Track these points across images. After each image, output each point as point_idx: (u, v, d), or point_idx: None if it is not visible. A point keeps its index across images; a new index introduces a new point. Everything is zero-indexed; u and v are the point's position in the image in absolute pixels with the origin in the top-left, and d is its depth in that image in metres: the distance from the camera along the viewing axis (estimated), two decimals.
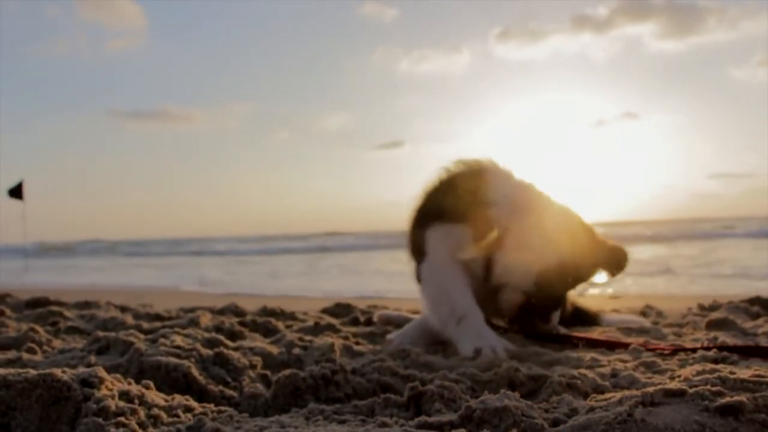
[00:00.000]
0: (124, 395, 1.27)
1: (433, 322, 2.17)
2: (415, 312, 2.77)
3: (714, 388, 1.12)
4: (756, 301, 2.98)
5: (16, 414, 1.18)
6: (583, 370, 1.58)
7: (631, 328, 2.52)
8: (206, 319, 2.66)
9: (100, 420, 1.15)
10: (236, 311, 3.08)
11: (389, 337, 2.32)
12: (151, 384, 1.41)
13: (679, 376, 1.41)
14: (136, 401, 1.26)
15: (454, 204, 2.11)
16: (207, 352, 1.74)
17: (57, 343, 2.23)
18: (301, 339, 2.16)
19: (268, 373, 1.72)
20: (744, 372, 1.28)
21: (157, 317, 3.02)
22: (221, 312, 3.07)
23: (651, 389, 1.13)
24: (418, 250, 2.19)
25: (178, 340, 1.92)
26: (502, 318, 2.25)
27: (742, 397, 1.06)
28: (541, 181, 2.21)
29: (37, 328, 2.36)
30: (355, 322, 2.86)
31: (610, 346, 2.05)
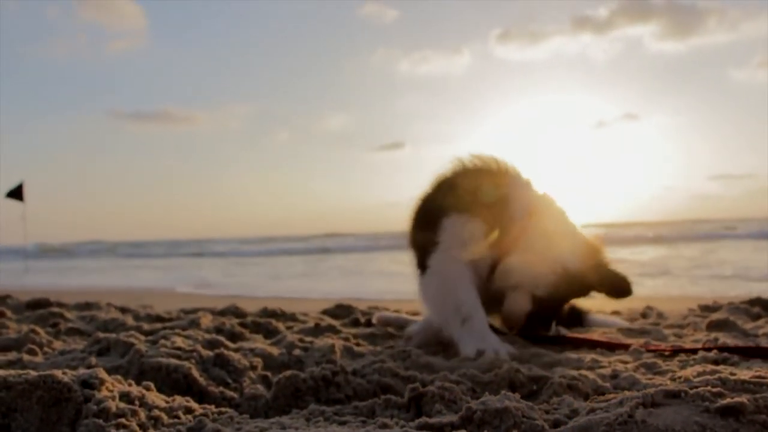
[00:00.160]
0: (125, 396, 1.27)
1: (435, 318, 2.16)
2: (415, 313, 2.76)
3: (714, 389, 1.12)
4: (756, 302, 2.98)
5: (17, 415, 1.18)
6: (583, 372, 1.58)
7: (633, 329, 2.52)
8: (207, 321, 2.66)
9: (101, 421, 1.15)
10: (237, 312, 3.08)
11: (409, 330, 2.31)
12: (152, 385, 1.41)
13: (680, 378, 1.42)
14: (137, 402, 1.26)
15: (474, 197, 2.08)
16: (207, 353, 1.74)
17: (57, 345, 2.23)
18: (301, 340, 2.16)
19: (269, 374, 1.72)
20: (744, 373, 1.28)
21: (158, 318, 3.02)
22: (222, 313, 3.07)
23: (652, 390, 1.13)
24: (427, 240, 2.12)
25: (179, 341, 1.92)
26: (504, 320, 2.24)
27: (743, 398, 1.06)
28: (540, 180, 2.21)
29: (38, 329, 2.36)
30: (355, 323, 2.86)
31: (611, 347, 2.05)
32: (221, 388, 1.56)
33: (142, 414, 1.22)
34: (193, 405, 1.34)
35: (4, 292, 4.14)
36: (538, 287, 2.09)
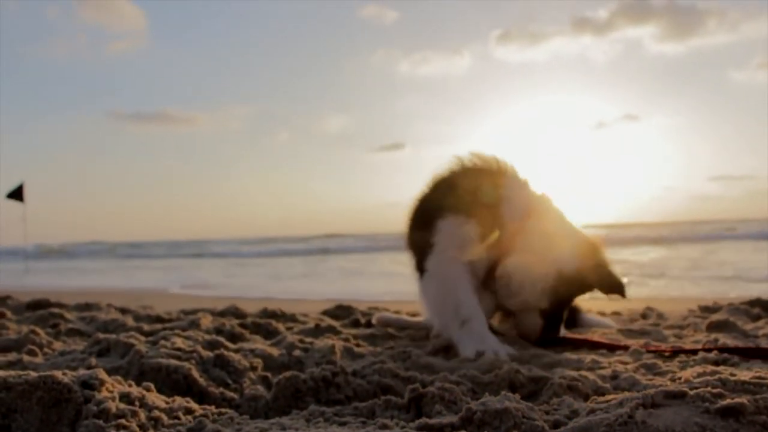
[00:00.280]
0: (125, 397, 1.27)
1: (434, 320, 2.16)
2: (415, 314, 2.77)
3: (715, 390, 1.12)
4: (756, 303, 2.98)
5: (17, 416, 1.18)
6: (583, 372, 1.58)
7: (633, 330, 2.52)
8: (207, 321, 2.66)
9: (101, 422, 1.15)
10: (237, 313, 3.07)
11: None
12: (152, 386, 1.41)
13: (680, 378, 1.41)
14: (137, 403, 1.26)
15: (469, 197, 2.08)
16: (207, 354, 1.74)
17: (57, 345, 2.23)
18: (301, 341, 2.16)
19: (269, 374, 1.72)
20: (745, 374, 1.28)
21: (158, 319, 3.02)
22: (222, 314, 3.07)
23: (652, 391, 1.13)
24: (424, 242, 2.12)
25: (179, 342, 1.92)
26: (521, 336, 2.24)
27: (743, 399, 1.06)
28: (540, 181, 2.21)
29: (38, 330, 2.36)
30: (355, 323, 2.86)
31: (612, 348, 2.05)
32: (221, 389, 1.56)
33: (142, 415, 1.22)
34: (193, 406, 1.34)
35: (5, 292, 4.14)
36: (543, 299, 2.09)
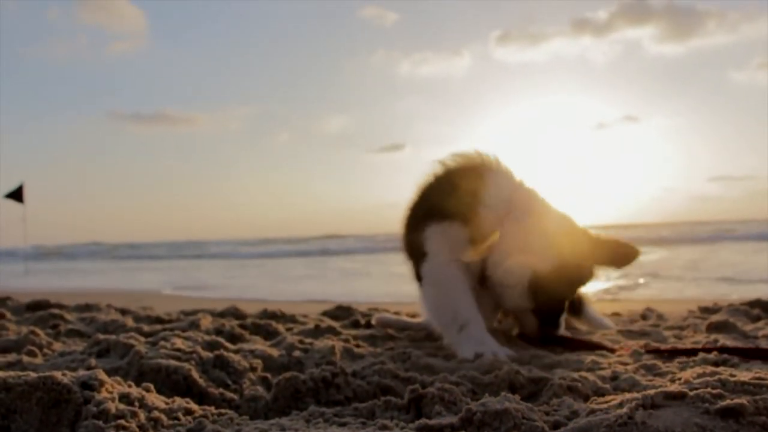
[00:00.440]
0: (125, 398, 1.27)
1: (434, 326, 2.17)
2: (414, 315, 2.77)
3: (714, 391, 1.12)
4: (756, 303, 2.98)
5: (16, 417, 1.18)
6: (583, 373, 1.58)
7: (633, 331, 2.52)
8: (206, 322, 2.66)
9: (100, 423, 1.14)
10: (236, 314, 3.07)
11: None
12: (152, 387, 1.41)
13: (680, 379, 1.41)
14: (137, 404, 1.26)
15: (452, 202, 2.08)
16: (207, 354, 1.74)
17: (57, 346, 2.23)
18: (301, 341, 2.16)
19: (269, 375, 1.72)
20: (744, 374, 1.28)
21: (158, 320, 3.02)
22: (221, 315, 3.07)
23: (651, 392, 1.13)
24: (417, 250, 2.15)
25: (179, 342, 1.92)
26: (505, 316, 2.23)
27: (743, 400, 1.06)
28: (540, 182, 2.20)
29: (38, 330, 2.36)
30: (355, 324, 2.86)
31: (612, 351, 2.05)
32: (221, 390, 1.56)
33: (142, 415, 1.22)
34: (193, 406, 1.34)
35: (4, 293, 4.14)
36: (526, 300, 2.08)
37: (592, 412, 1.15)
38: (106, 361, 1.76)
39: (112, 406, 1.19)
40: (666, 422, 1.03)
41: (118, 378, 1.38)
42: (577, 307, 2.64)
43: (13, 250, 20.76)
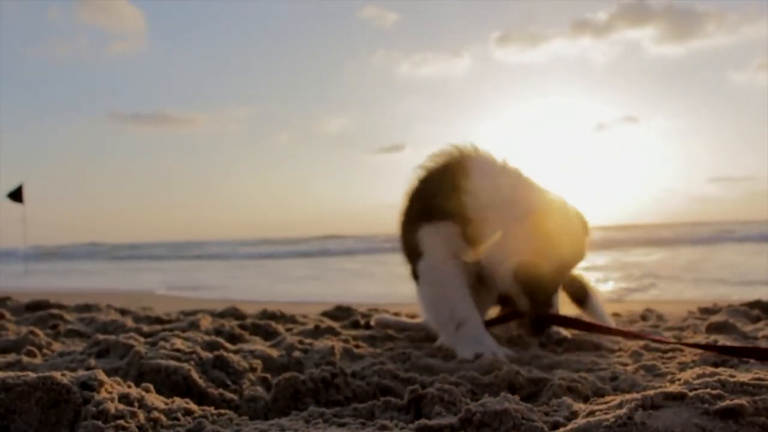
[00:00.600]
0: (124, 398, 1.27)
1: (431, 325, 2.17)
2: (414, 316, 2.77)
3: (714, 392, 1.12)
4: (756, 304, 2.98)
5: (16, 417, 1.18)
6: (583, 373, 1.58)
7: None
8: (206, 322, 2.66)
9: (100, 423, 1.14)
10: (236, 314, 3.07)
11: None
12: (151, 387, 1.40)
13: (680, 380, 1.41)
14: (136, 404, 1.26)
15: (439, 201, 2.10)
16: (207, 355, 1.74)
17: (57, 346, 2.23)
18: (301, 342, 2.16)
19: (268, 376, 1.72)
20: (744, 375, 1.28)
21: (157, 320, 3.02)
22: (221, 315, 3.07)
23: (651, 392, 1.13)
24: (413, 250, 2.17)
25: (178, 343, 1.92)
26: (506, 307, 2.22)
27: (742, 401, 1.06)
28: (525, 164, 2.18)
29: (37, 331, 2.35)
30: (355, 325, 2.85)
31: (620, 334, 2.04)
32: (220, 390, 1.56)
33: (142, 416, 1.22)
34: (193, 407, 1.34)
35: (4, 293, 4.14)
36: (512, 287, 2.04)
37: (592, 412, 1.15)
38: (106, 362, 1.76)
39: (112, 407, 1.19)
40: (665, 423, 1.03)
41: (118, 378, 1.38)
42: (582, 296, 2.61)
43: (13, 251, 20.75)
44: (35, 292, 6.19)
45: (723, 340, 2.11)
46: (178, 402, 1.35)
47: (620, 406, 1.11)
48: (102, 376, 1.29)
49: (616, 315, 3.29)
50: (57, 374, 1.24)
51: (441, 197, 2.10)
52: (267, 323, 2.61)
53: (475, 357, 1.86)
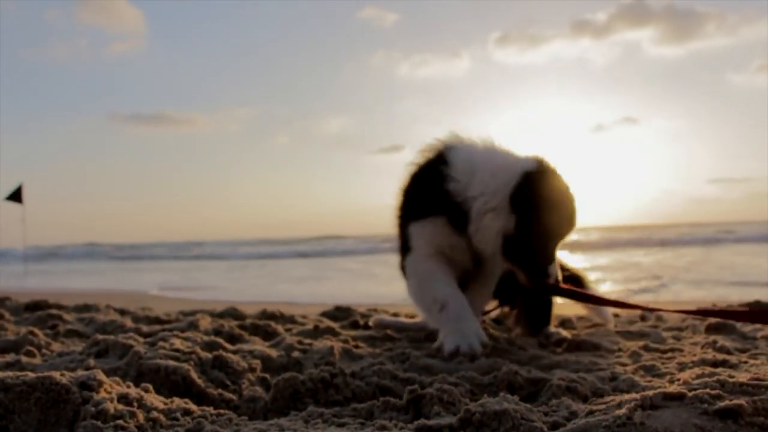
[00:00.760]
0: (123, 398, 1.27)
1: (421, 314, 2.23)
2: (412, 316, 2.77)
3: (713, 392, 1.12)
4: (755, 305, 2.98)
5: (15, 417, 1.18)
6: (582, 374, 1.58)
7: (632, 332, 2.52)
8: (205, 323, 2.66)
9: (99, 423, 1.14)
10: (236, 314, 3.07)
11: None
12: (150, 387, 1.40)
13: (679, 380, 1.42)
14: (135, 404, 1.26)
15: (425, 197, 2.13)
16: (206, 355, 1.74)
17: (56, 347, 2.23)
18: (300, 342, 2.16)
19: (268, 376, 1.72)
20: (743, 375, 1.28)
21: (157, 321, 3.01)
22: (220, 315, 3.07)
23: (650, 393, 1.13)
24: (403, 247, 2.23)
25: (178, 343, 1.92)
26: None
27: (741, 401, 1.06)
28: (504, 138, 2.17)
29: (36, 331, 2.35)
30: (354, 325, 2.85)
31: (621, 306, 2.03)
32: (220, 390, 1.56)
33: (141, 416, 1.22)
34: (192, 407, 1.34)
35: (3, 293, 4.14)
36: (513, 253, 2.02)
37: (591, 412, 1.15)
38: (105, 362, 1.76)
39: (111, 407, 1.19)
40: (665, 423, 1.03)
41: (117, 378, 1.38)
42: (579, 282, 2.61)
43: (12, 251, 20.74)
44: (34, 292, 6.19)
45: (722, 341, 2.11)
46: (178, 402, 1.35)
47: (619, 406, 1.12)
48: (101, 376, 1.29)
49: (615, 315, 3.29)
50: (56, 374, 1.24)
51: (426, 192, 2.14)
52: (266, 323, 2.60)
53: (453, 352, 1.90)
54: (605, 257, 11.35)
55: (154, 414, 1.25)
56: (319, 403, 1.45)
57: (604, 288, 5.93)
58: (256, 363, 1.78)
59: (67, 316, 2.96)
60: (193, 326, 2.55)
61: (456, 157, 2.10)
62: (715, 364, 1.70)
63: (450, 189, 2.05)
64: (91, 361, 1.73)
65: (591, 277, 2.82)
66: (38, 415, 1.19)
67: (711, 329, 2.43)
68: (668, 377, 1.58)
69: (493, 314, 2.72)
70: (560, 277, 2.19)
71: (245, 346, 2.05)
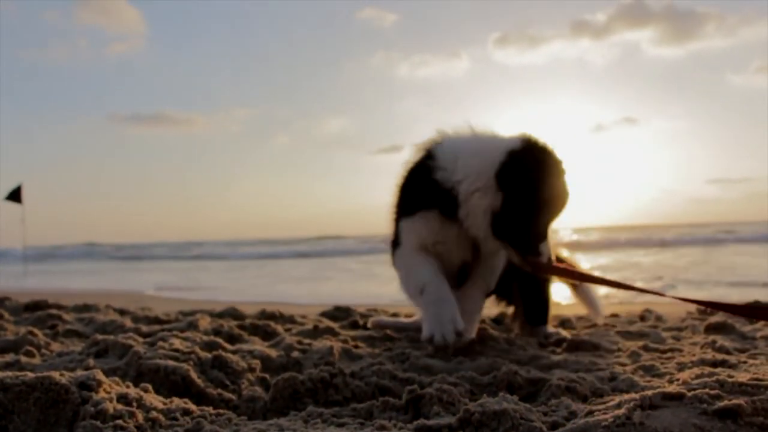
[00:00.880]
0: (123, 398, 1.27)
1: (410, 302, 2.26)
2: (410, 316, 2.76)
3: (712, 392, 1.12)
4: (755, 305, 2.98)
5: (14, 417, 1.18)
6: (581, 374, 1.58)
7: (631, 332, 2.52)
8: (205, 323, 2.66)
9: (98, 423, 1.14)
10: (235, 315, 3.07)
11: None
12: (150, 387, 1.40)
13: (678, 380, 1.42)
14: (135, 404, 1.26)
15: (414, 192, 2.15)
16: (206, 355, 1.74)
17: (55, 347, 2.22)
18: (300, 342, 2.16)
19: (267, 376, 1.72)
20: (742, 375, 1.28)
21: (156, 321, 3.01)
22: (220, 315, 3.07)
23: (650, 392, 1.13)
24: (395, 242, 2.27)
25: (177, 343, 1.92)
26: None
27: (740, 401, 1.06)
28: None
29: (36, 331, 2.35)
30: (354, 325, 2.85)
31: (616, 285, 2.03)
32: (219, 390, 1.56)
33: (140, 416, 1.22)
34: (191, 407, 1.34)
35: (3, 293, 4.14)
36: (500, 230, 2.00)
37: (591, 412, 1.15)
38: (105, 362, 1.76)
39: (110, 407, 1.19)
40: (664, 423, 1.03)
41: (117, 378, 1.38)
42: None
43: (12, 251, 20.73)
44: (34, 292, 6.18)
45: (721, 341, 2.11)
46: (177, 402, 1.35)
47: (619, 406, 1.12)
48: (100, 376, 1.29)
49: (614, 315, 3.29)
50: (55, 374, 1.24)
51: (414, 188, 2.16)
52: (266, 323, 2.60)
53: (428, 339, 1.94)
54: (605, 257, 11.36)
55: (154, 414, 1.25)
56: (318, 403, 1.45)
57: (604, 289, 5.93)
58: (256, 363, 1.78)
59: (66, 316, 2.96)
60: (193, 326, 2.55)
61: (441, 149, 2.11)
62: (715, 364, 1.70)
63: (437, 178, 2.05)
64: (91, 361, 1.73)
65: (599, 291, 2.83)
66: (37, 414, 1.19)
67: (710, 329, 2.43)
68: (667, 377, 1.58)
69: (494, 313, 2.72)
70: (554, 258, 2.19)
71: (245, 346, 2.05)
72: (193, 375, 1.57)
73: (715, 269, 8.19)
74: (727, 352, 1.92)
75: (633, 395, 1.16)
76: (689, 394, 1.12)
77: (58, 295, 5.05)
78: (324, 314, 3.22)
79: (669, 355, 1.97)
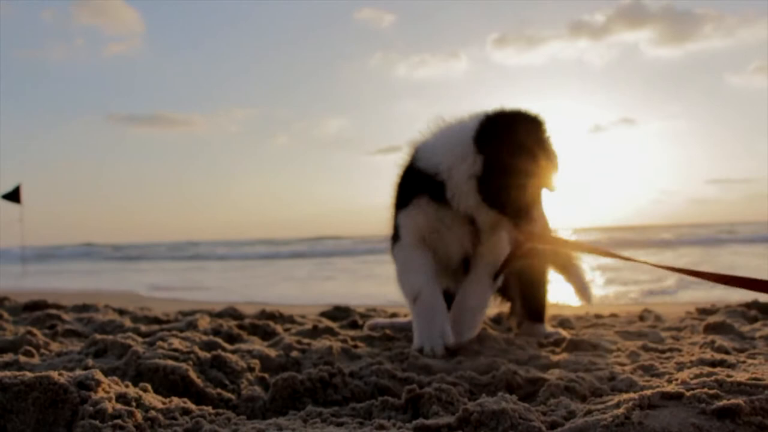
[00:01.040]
0: (122, 398, 1.26)
1: (406, 303, 2.26)
2: (408, 315, 2.76)
3: (711, 391, 1.12)
4: (753, 305, 2.99)
5: (13, 417, 1.18)
6: (581, 373, 1.58)
7: (630, 332, 2.52)
8: (204, 322, 2.66)
9: (97, 422, 1.14)
10: (234, 314, 3.07)
11: None
12: (149, 387, 1.40)
13: (677, 380, 1.42)
14: (134, 404, 1.26)
15: (407, 185, 2.17)
16: (205, 354, 1.74)
17: (54, 346, 2.22)
18: (299, 342, 2.16)
19: (266, 375, 1.72)
20: (741, 375, 1.28)
21: (155, 320, 3.01)
22: (219, 315, 3.07)
23: (648, 392, 1.13)
24: (394, 237, 2.28)
25: (176, 343, 1.91)
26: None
27: (739, 400, 1.06)
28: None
29: (35, 331, 2.35)
30: (353, 325, 2.86)
31: (615, 256, 2.03)
32: (218, 390, 1.56)
33: (139, 415, 1.22)
34: (191, 406, 1.34)
35: (1, 294, 4.14)
36: (487, 197, 1.98)
37: (589, 412, 1.15)
38: (104, 361, 1.76)
39: (109, 406, 1.19)
40: (663, 422, 1.03)
41: (116, 378, 1.38)
42: (566, 264, 2.67)
43: (10, 251, 20.72)
44: (33, 292, 6.18)
45: (720, 341, 2.11)
46: (176, 402, 1.35)
47: (618, 405, 1.12)
48: (99, 375, 1.29)
49: (614, 315, 3.29)
50: (54, 374, 1.24)
51: (405, 182, 2.18)
52: (265, 323, 2.60)
53: (418, 350, 1.97)
54: (605, 257, 11.32)
55: (153, 413, 1.25)
56: (317, 402, 1.45)
57: (604, 290, 5.94)
58: (255, 363, 1.78)
59: (65, 316, 2.96)
60: (192, 326, 2.55)
61: (423, 142, 2.15)
62: (714, 363, 1.70)
63: (421, 167, 2.08)
64: (90, 361, 1.73)
65: (590, 276, 2.83)
66: (36, 414, 1.19)
67: (709, 329, 2.43)
68: (666, 377, 1.58)
69: (493, 313, 2.72)
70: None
71: (244, 346, 2.05)
72: (193, 375, 1.57)
73: (715, 269, 8.18)
74: (726, 352, 1.92)
75: (632, 395, 1.16)
76: (688, 393, 1.12)
77: (57, 295, 5.05)
78: (323, 314, 3.22)
79: (668, 354, 1.98)
